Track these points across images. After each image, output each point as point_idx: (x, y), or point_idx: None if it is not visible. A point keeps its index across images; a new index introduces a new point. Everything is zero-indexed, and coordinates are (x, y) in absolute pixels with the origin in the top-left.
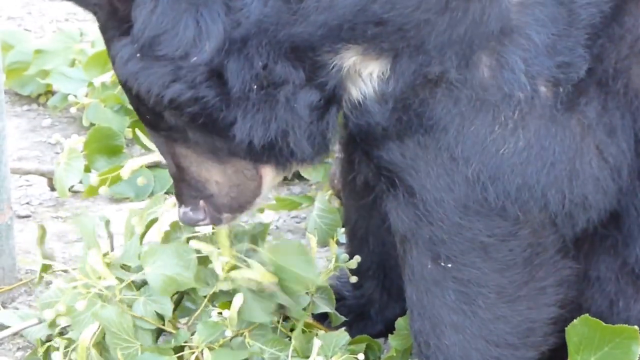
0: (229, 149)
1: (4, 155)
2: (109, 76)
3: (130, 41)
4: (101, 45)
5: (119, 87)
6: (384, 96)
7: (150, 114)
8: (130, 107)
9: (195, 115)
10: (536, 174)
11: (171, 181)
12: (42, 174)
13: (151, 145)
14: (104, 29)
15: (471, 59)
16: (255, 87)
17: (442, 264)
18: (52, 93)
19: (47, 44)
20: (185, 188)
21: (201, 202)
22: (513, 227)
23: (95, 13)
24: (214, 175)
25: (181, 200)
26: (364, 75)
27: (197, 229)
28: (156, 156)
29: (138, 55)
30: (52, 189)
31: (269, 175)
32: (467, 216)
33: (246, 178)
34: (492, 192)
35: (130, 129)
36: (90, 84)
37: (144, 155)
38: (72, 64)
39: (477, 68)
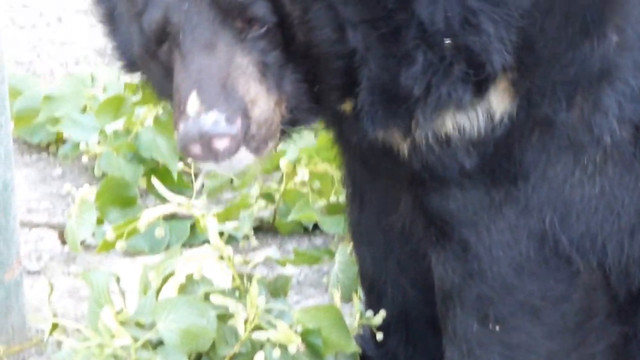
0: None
1: (12, 207)
2: (121, 123)
3: None
4: (113, 90)
5: (132, 134)
6: (486, 137)
7: None
8: (144, 155)
9: None
10: (601, 224)
11: (188, 233)
12: (53, 227)
13: (166, 194)
14: None
15: (572, 100)
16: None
17: (490, 326)
18: (63, 141)
19: (57, 90)
20: (229, 98)
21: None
22: (567, 290)
23: None
24: (261, 99)
25: (212, 102)
26: (481, 109)
27: (215, 281)
28: (172, 207)
29: None
30: (64, 242)
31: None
32: (521, 277)
33: (278, 114)
34: (555, 240)
35: (144, 178)
36: (103, 132)
37: (159, 206)
38: (84, 110)
39: (574, 109)
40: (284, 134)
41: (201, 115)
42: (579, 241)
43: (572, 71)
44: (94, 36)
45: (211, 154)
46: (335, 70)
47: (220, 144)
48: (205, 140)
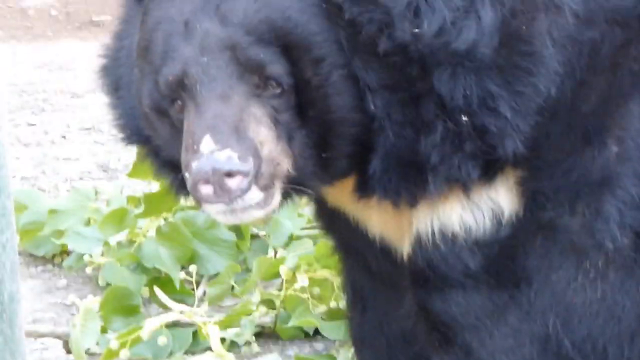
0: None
1: (18, 318)
2: (124, 234)
3: None
4: (116, 203)
5: (135, 245)
6: (491, 238)
7: None
8: (147, 265)
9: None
10: (602, 327)
11: (191, 341)
12: (58, 337)
13: (169, 303)
14: None
15: (575, 205)
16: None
17: None
18: (67, 253)
19: (61, 204)
20: (242, 140)
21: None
22: None
23: None
24: (270, 142)
25: (225, 142)
26: (487, 206)
27: None
28: (175, 315)
29: None
30: (68, 351)
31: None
32: None
33: (284, 155)
34: (557, 344)
35: (147, 288)
36: (106, 243)
37: (162, 314)
38: (88, 223)
39: (576, 215)
40: (288, 195)
41: (215, 152)
42: (581, 344)
43: (574, 177)
44: (96, 152)
45: (223, 193)
46: (349, 137)
47: (233, 183)
48: (218, 177)
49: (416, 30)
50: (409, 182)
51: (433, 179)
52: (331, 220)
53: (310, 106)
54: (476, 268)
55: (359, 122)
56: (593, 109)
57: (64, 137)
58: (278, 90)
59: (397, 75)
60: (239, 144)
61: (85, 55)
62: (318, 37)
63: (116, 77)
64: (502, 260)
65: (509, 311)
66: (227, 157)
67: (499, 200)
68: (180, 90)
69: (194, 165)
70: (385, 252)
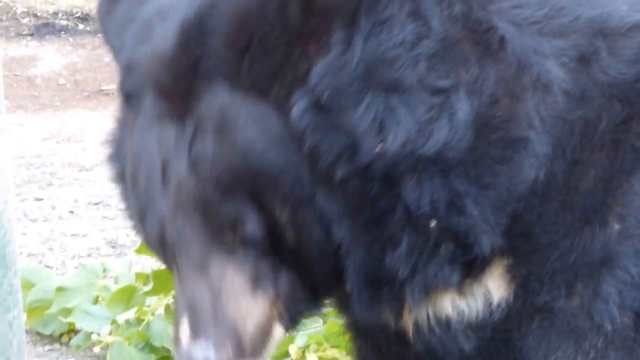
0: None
1: None
2: (132, 313)
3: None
4: (125, 281)
5: (144, 323)
6: (484, 321)
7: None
8: (155, 344)
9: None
10: None
11: None
12: None
13: None
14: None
15: (573, 287)
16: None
17: None
18: (75, 332)
19: (69, 281)
20: (217, 325)
21: (228, 345)
22: None
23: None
24: (253, 313)
25: (201, 330)
26: (478, 292)
27: None
28: None
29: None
30: None
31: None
32: None
33: (272, 321)
34: None
35: None
36: (114, 322)
37: None
38: (96, 301)
39: (574, 296)
40: (294, 322)
41: (191, 344)
42: None
43: (572, 258)
44: (105, 228)
45: None
46: (327, 267)
47: None
48: None
49: (379, 145)
50: (384, 299)
51: (410, 292)
52: (342, 300)
53: (285, 244)
54: (470, 351)
55: (332, 252)
56: (592, 187)
57: (71, 212)
58: (253, 242)
59: (358, 200)
60: (216, 329)
61: (94, 126)
62: (284, 175)
63: (122, 166)
64: (495, 343)
65: None
66: (203, 349)
67: (490, 287)
68: (164, 245)
69: (176, 353)
70: (399, 334)
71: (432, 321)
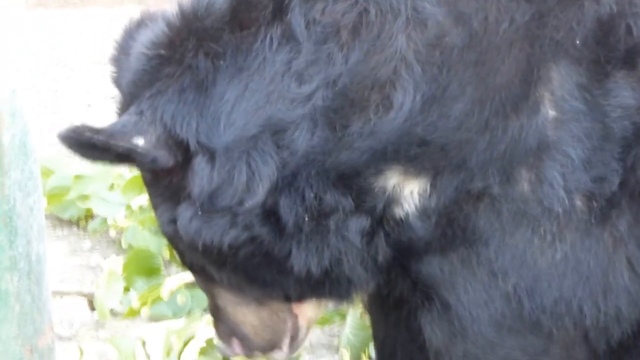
0: (269, 291)
1: (45, 278)
2: (146, 198)
3: (191, 203)
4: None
5: None
6: (427, 212)
7: (202, 259)
8: None
9: (251, 254)
10: (573, 288)
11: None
12: (83, 296)
13: None
14: (155, 196)
15: (512, 174)
16: (307, 218)
17: None
18: (92, 217)
19: (86, 169)
20: (220, 324)
21: (235, 340)
22: (545, 345)
23: (145, 179)
24: (249, 318)
25: (217, 334)
26: (405, 193)
27: None
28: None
29: (199, 213)
30: (93, 309)
31: (306, 315)
32: (500, 334)
33: (280, 320)
34: (527, 306)
35: (167, 249)
36: (129, 207)
37: (181, 274)
38: (111, 187)
39: (518, 183)
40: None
41: (216, 338)
42: (553, 307)
43: (502, 148)
44: None
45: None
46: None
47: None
48: (226, 355)
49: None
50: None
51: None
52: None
53: None
54: (430, 238)
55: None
56: (507, 81)
57: (89, 105)
58: None
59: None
60: (222, 332)
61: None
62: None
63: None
64: (449, 228)
65: (476, 268)
66: (217, 344)
67: (413, 201)
68: None
69: None
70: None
71: (392, 223)
